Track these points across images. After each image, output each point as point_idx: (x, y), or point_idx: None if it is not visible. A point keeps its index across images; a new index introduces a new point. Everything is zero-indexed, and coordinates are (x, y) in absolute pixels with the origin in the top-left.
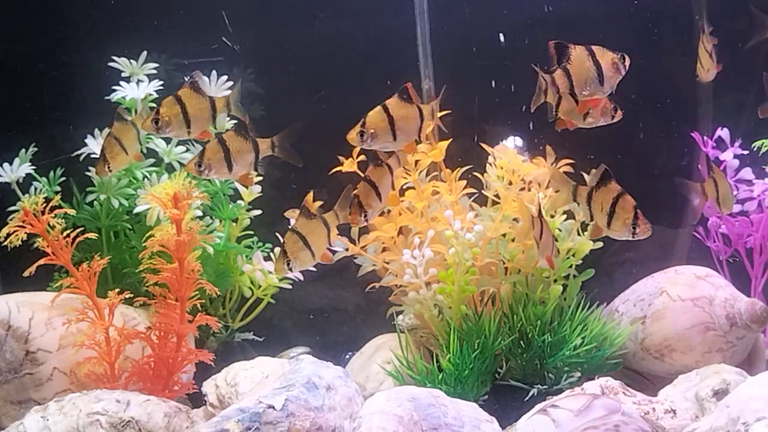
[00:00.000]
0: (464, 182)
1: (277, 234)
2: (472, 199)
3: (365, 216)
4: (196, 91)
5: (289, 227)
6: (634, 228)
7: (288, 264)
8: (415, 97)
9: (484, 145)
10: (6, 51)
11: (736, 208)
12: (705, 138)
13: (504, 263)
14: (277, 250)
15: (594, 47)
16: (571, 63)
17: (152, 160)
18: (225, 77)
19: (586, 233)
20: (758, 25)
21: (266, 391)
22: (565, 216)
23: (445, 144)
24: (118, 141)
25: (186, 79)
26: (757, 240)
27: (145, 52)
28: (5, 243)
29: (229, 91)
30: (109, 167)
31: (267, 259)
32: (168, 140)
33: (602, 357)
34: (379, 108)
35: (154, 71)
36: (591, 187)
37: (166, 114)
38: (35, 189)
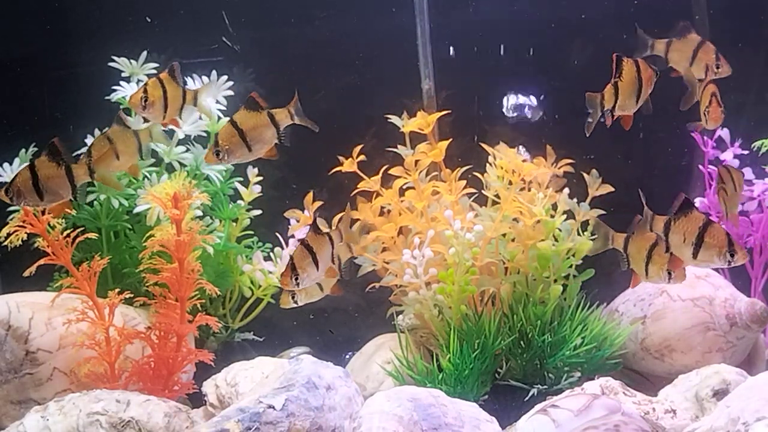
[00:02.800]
0: (464, 182)
1: (277, 234)
2: (472, 199)
3: (296, 279)
4: (173, 79)
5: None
6: (731, 255)
7: (293, 297)
8: (263, 104)
9: (484, 145)
10: (6, 51)
11: None
12: (705, 138)
13: (504, 263)
14: (277, 250)
15: (639, 61)
16: (622, 78)
17: (152, 160)
18: (225, 77)
19: (585, 233)
20: (640, 44)
21: (266, 391)
22: (565, 216)
23: (445, 144)
24: (110, 142)
25: (186, 79)
26: (757, 240)
27: (145, 52)
28: (5, 243)
29: (231, 92)
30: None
31: (267, 259)
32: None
33: (602, 357)
34: (227, 123)
35: (154, 71)
36: (669, 218)
37: (152, 94)
38: None
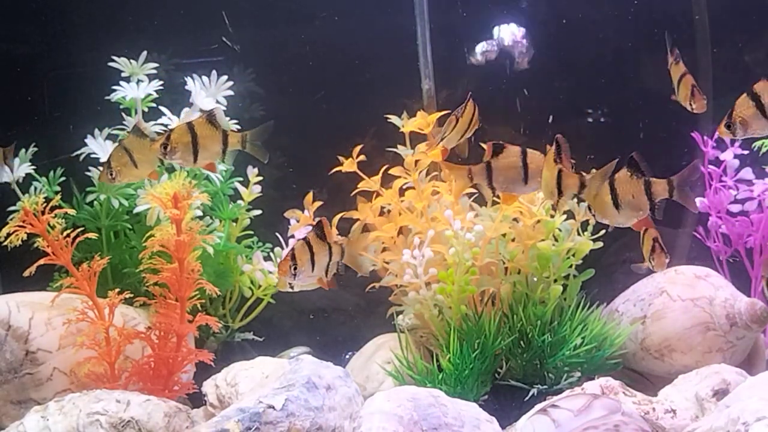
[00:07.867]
0: None
1: (277, 234)
2: (472, 199)
3: (294, 270)
4: (211, 123)
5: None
6: None
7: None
8: (223, 124)
9: (484, 145)
10: (6, 51)
11: (736, 208)
12: (705, 138)
13: (504, 263)
14: (277, 250)
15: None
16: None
17: None
18: (225, 77)
19: (586, 233)
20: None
21: (266, 391)
22: (565, 216)
23: None
24: (128, 152)
25: (186, 79)
26: (757, 240)
27: (145, 52)
28: (5, 243)
29: (231, 92)
30: (112, 175)
31: (267, 259)
32: None
33: (602, 357)
34: (183, 125)
35: (154, 71)
36: None
37: (176, 141)
38: (35, 189)
